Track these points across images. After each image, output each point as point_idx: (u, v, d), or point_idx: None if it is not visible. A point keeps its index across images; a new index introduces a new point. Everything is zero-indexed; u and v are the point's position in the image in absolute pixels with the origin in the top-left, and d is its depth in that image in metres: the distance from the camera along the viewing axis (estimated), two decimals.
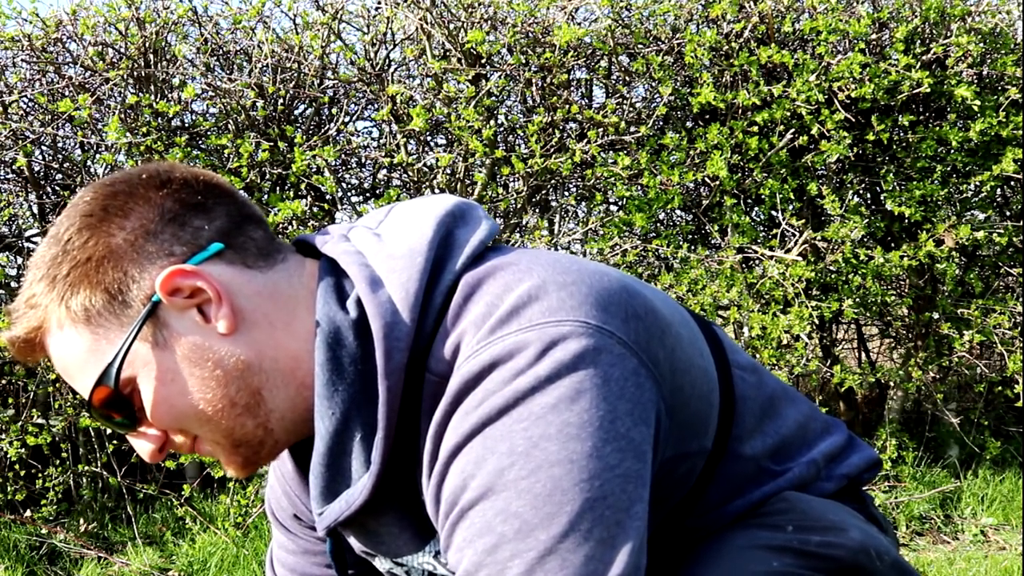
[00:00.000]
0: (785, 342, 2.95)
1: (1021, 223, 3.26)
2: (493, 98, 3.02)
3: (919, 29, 3.09)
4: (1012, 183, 3.38)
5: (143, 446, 0.89)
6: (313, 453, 0.89)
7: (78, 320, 0.85)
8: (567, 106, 2.90)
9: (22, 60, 3.30)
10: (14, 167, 3.26)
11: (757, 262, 3.14)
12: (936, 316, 3.30)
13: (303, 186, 3.12)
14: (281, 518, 1.15)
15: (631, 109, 3.24)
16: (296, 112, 3.36)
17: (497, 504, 0.74)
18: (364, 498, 0.87)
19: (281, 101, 3.05)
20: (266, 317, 0.87)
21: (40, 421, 3.09)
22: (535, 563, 0.72)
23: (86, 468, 3.13)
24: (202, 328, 0.85)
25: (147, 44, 2.98)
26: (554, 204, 3.44)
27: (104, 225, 0.85)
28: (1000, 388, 3.40)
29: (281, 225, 2.93)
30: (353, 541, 1.04)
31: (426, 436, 0.83)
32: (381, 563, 1.04)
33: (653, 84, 3.15)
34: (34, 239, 3.49)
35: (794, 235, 3.11)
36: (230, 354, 0.85)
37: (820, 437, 1.01)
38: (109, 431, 2.99)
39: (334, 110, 3.24)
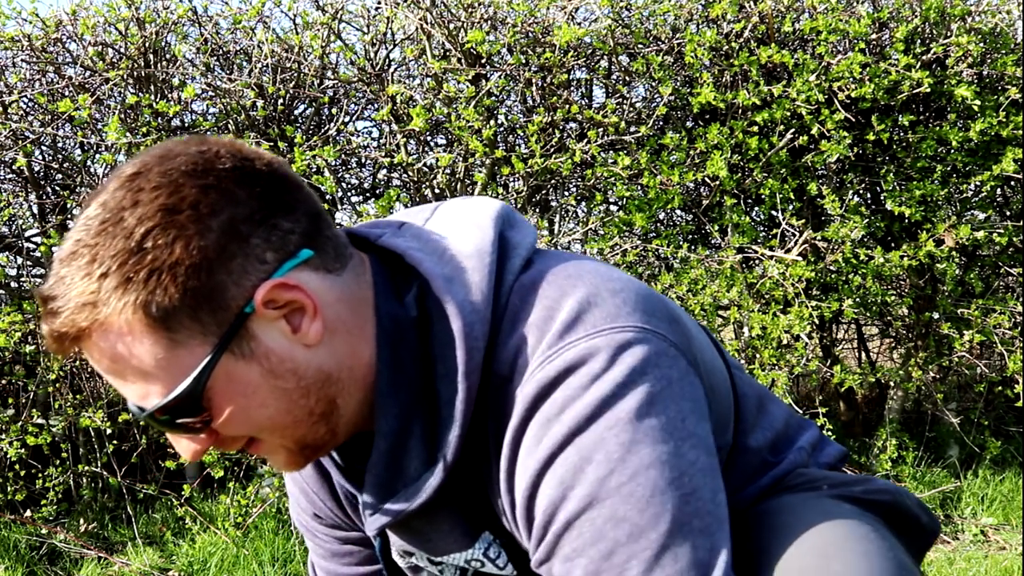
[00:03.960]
0: (785, 342, 2.95)
1: (1021, 223, 3.26)
2: (493, 98, 3.02)
3: (919, 29, 3.09)
4: (1012, 183, 3.38)
5: (188, 447, 0.85)
6: (373, 451, 0.89)
7: (155, 326, 0.78)
8: (567, 106, 2.89)
9: (22, 60, 3.30)
10: (14, 167, 3.26)
11: (757, 262, 3.14)
12: (936, 316, 3.30)
13: None
14: (304, 521, 1.15)
15: (631, 109, 3.24)
16: (296, 112, 3.36)
17: (604, 512, 0.78)
18: (429, 495, 0.87)
19: (281, 101, 3.05)
20: (344, 325, 0.85)
21: (40, 421, 3.09)
22: (652, 561, 0.77)
23: (86, 468, 3.13)
24: (288, 339, 0.82)
25: (147, 44, 2.98)
26: (554, 204, 3.44)
27: (193, 225, 0.77)
28: (1000, 388, 3.40)
29: None
30: (394, 539, 1.04)
31: (494, 437, 0.85)
32: (415, 561, 1.04)
33: (653, 84, 3.15)
34: (34, 239, 3.49)
35: (794, 235, 3.11)
36: (313, 366, 0.83)
37: (801, 431, 1.08)
38: (109, 431, 2.99)
39: (334, 110, 3.24)
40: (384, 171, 3.38)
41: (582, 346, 0.80)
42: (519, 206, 3.13)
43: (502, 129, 3.28)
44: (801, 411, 3.04)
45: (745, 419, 0.99)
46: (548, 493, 0.80)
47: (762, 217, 3.44)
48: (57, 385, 3.09)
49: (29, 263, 3.51)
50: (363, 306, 0.87)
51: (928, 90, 2.90)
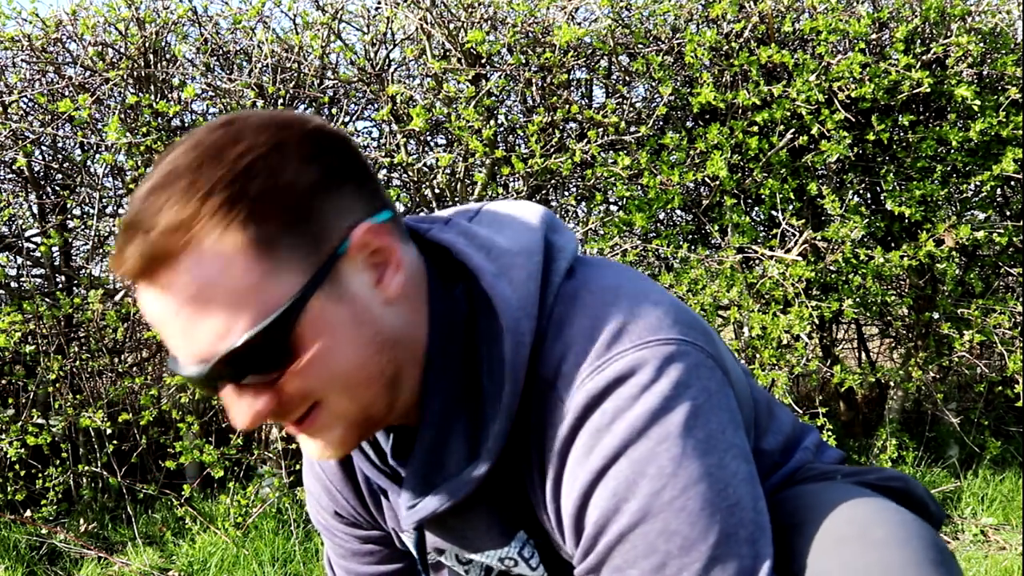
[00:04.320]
0: (785, 342, 2.95)
1: (1021, 223, 3.26)
2: (493, 98, 3.01)
3: (919, 29, 3.09)
4: (1012, 183, 3.38)
5: (248, 410, 0.80)
6: (417, 442, 0.89)
7: (255, 251, 0.75)
8: (567, 106, 2.89)
9: (22, 60, 3.30)
10: (14, 167, 3.26)
11: (757, 262, 3.14)
12: (936, 316, 3.30)
13: None
14: (324, 520, 1.15)
15: (631, 109, 3.24)
16: (296, 112, 3.36)
17: (657, 525, 0.80)
18: (471, 489, 0.88)
19: (281, 101, 3.05)
20: (413, 293, 0.85)
21: (40, 421, 3.09)
22: (701, 573, 0.79)
23: (86, 468, 3.13)
24: (371, 289, 0.82)
25: (147, 44, 2.98)
26: (554, 204, 3.44)
27: (297, 161, 0.77)
28: (1000, 388, 3.40)
29: None
30: (428, 536, 1.05)
31: (537, 439, 0.86)
32: (443, 560, 1.06)
33: (653, 84, 3.15)
34: (34, 239, 3.49)
35: (794, 235, 3.11)
36: (387, 323, 0.83)
37: (804, 434, 1.11)
38: (109, 431, 2.99)
39: (334, 110, 3.24)
40: (384, 171, 3.38)
41: (629, 357, 0.81)
42: None
43: (502, 129, 3.28)
44: (801, 411, 3.04)
45: (759, 424, 1.02)
46: (600, 505, 0.82)
47: (762, 217, 3.44)
48: (57, 385, 3.09)
49: (29, 263, 3.51)
50: (422, 287, 0.87)
51: (928, 90, 2.90)
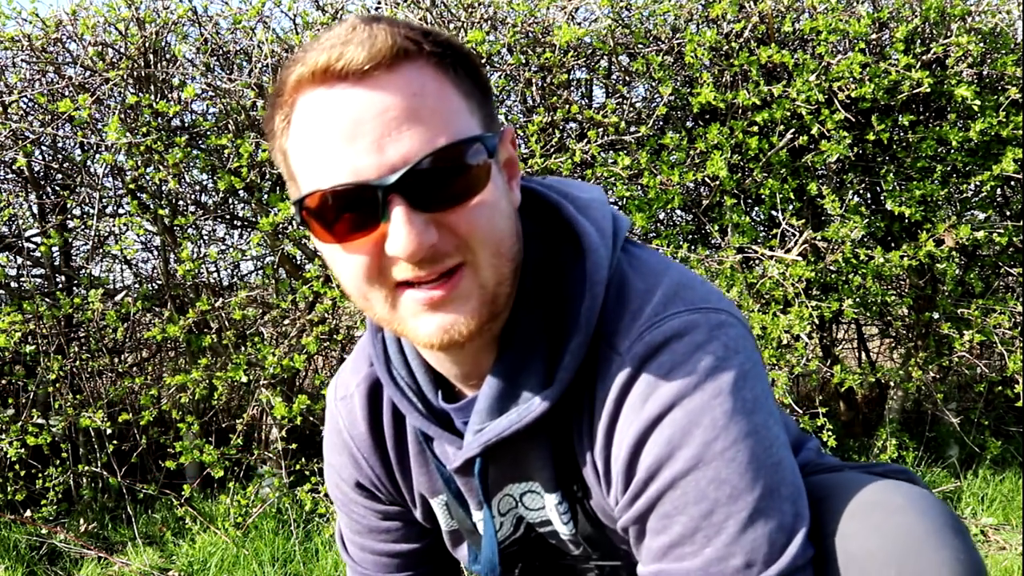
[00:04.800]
0: (785, 342, 2.95)
1: (1021, 223, 3.26)
2: (493, 98, 3.01)
3: (919, 29, 3.09)
4: (1012, 183, 3.38)
5: (413, 236, 0.81)
6: (496, 364, 0.94)
7: (459, 92, 0.85)
8: (567, 106, 2.89)
9: (22, 60, 3.30)
10: (14, 167, 3.26)
11: (757, 262, 3.13)
12: (936, 316, 3.29)
13: None
14: (344, 494, 1.18)
15: (631, 109, 3.24)
16: None
17: (708, 473, 0.85)
18: (539, 414, 0.93)
19: None
20: (517, 215, 0.93)
21: (40, 421, 3.09)
22: (746, 522, 0.84)
23: (86, 468, 3.13)
24: (505, 187, 0.90)
25: (147, 44, 2.98)
26: None
27: (475, 60, 0.88)
28: (1000, 388, 3.40)
29: (281, 225, 2.93)
30: (445, 504, 1.10)
31: (591, 390, 0.92)
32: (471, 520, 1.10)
33: (653, 84, 3.15)
34: (34, 239, 3.49)
35: (794, 235, 3.11)
36: (515, 219, 0.91)
37: (807, 438, 1.17)
38: (109, 431, 2.99)
39: None
40: None
41: (684, 318, 0.88)
42: None
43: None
44: (801, 411, 3.04)
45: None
46: (654, 451, 0.87)
47: (762, 217, 3.44)
48: (57, 385, 3.09)
49: (29, 263, 3.51)
50: (517, 219, 0.93)
51: (928, 90, 2.90)
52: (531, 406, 0.93)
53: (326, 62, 0.80)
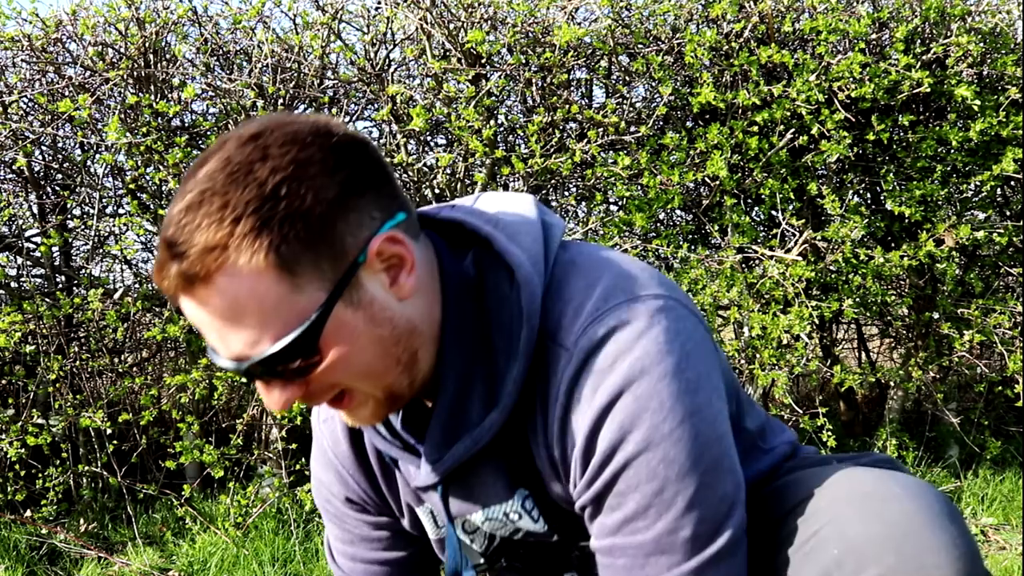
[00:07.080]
0: (785, 342, 2.95)
1: (1021, 223, 3.26)
2: (493, 98, 3.01)
3: (919, 29, 3.09)
4: (1012, 183, 3.38)
5: (279, 397, 0.90)
6: (439, 399, 0.98)
7: (282, 270, 0.84)
8: (567, 106, 2.89)
9: (22, 60, 3.30)
10: (14, 167, 3.26)
11: (757, 262, 3.13)
12: (936, 316, 3.29)
13: None
14: (334, 507, 1.21)
15: (631, 109, 3.24)
16: (296, 112, 3.36)
17: (659, 454, 0.90)
18: (492, 434, 0.97)
19: (281, 101, 3.05)
20: (425, 285, 0.95)
21: (40, 421, 3.09)
22: (694, 496, 0.90)
23: (86, 468, 3.13)
24: (386, 291, 0.91)
25: (147, 44, 2.98)
26: (554, 204, 3.44)
27: (321, 178, 0.85)
28: (1000, 388, 3.40)
29: None
30: (434, 508, 1.12)
31: (542, 390, 0.96)
32: (459, 533, 1.13)
33: (653, 84, 3.15)
34: (34, 239, 3.49)
35: (794, 235, 3.11)
36: (404, 317, 0.92)
37: (781, 430, 1.19)
38: (109, 431, 2.99)
39: (334, 110, 3.24)
40: None
41: (624, 308, 0.92)
42: None
43: (502, 129, 3.28)
44: (801, 411, 3.04)
45: (740, 402, 1.10)
46: (608, 437, 0.91)
47: (762, 217, 3.44)
48: (57, 385, 3.09)
49: (29, 263, 3.51)
50: (433, 269, 0.97)
51: (928, 90, 2.90)
52: (483, 429, 0.97)
53: (157, 277, 0.87)
